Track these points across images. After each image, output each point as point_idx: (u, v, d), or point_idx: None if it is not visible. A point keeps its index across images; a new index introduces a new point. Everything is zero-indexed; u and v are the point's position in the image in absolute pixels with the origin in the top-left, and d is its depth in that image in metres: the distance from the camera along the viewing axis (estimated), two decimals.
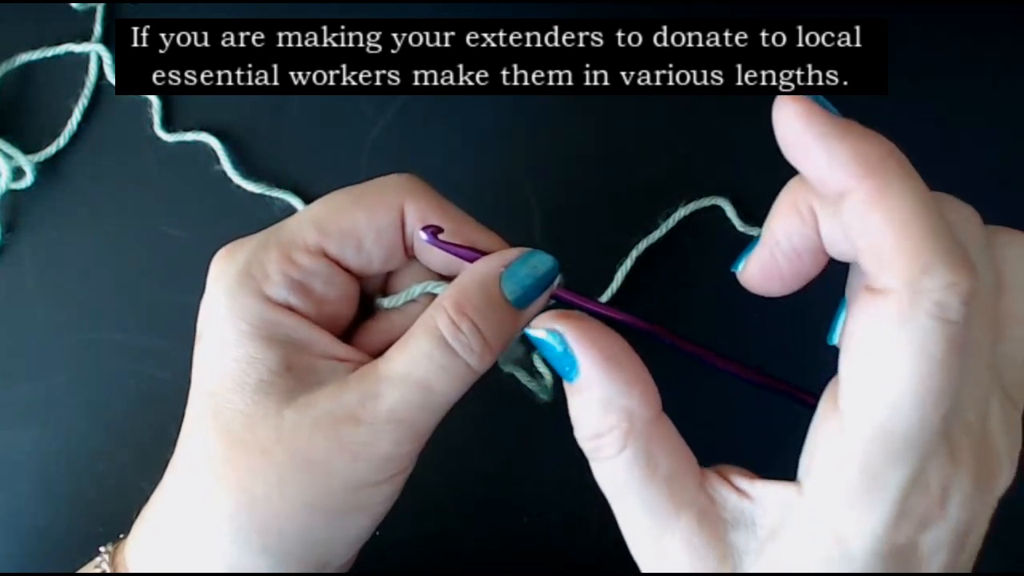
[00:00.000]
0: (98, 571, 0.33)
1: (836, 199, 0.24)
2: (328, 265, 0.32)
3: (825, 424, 0.25)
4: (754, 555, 0.26)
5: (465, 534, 0.43)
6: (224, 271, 0.31)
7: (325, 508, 0.30)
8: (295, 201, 0.45)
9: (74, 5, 0.48)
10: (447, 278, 0.34)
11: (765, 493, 0.26)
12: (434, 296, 0.33)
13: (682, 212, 0.45)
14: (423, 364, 0.30)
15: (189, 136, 0.46)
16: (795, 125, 0.24)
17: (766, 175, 0.41)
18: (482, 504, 0.44)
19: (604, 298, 0.44)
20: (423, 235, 0.32)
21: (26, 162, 0.46)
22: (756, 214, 0.45)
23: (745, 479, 0.27)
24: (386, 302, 0.34)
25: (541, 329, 0.28)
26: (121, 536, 0.34)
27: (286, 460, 0.30)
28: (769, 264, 0.28)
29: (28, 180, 0.46)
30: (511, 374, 0.39)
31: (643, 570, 0.28)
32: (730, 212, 0.45)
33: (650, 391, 0.28)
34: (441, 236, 0.32)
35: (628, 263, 0.44)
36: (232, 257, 0.32)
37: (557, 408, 0.44)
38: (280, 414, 0.30)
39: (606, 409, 0.27)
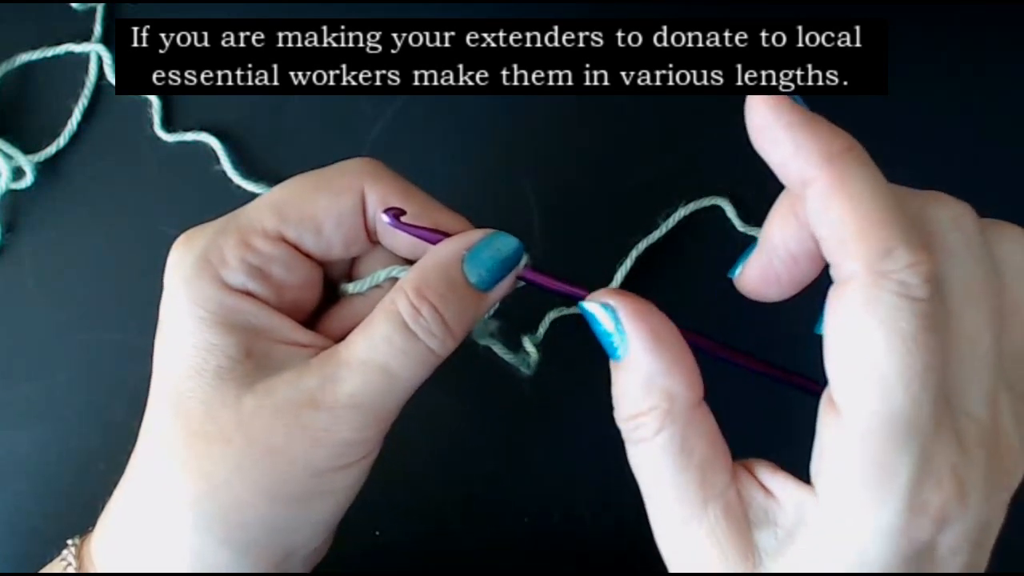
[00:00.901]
0: (64, 570, 0.33)
1: (800, 189, 0.25)
2: (287, 250, 0.32)
3: (827, 424, 0.25)
4: (774, 555, 0.26)
5: (465, 534, 0.43)
6: (182, 258, 0.31)
7: (287, 495, 0.30)
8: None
9: (74, 5, 0.48)
10: (412, 262, 0.33)
11: (785, 492, 0.26)
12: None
13: (682, 212, 0.45)
14: (383, 348, 0.30)
15: (189, 136, 0.46)
16: (766, 114, 0.25)
17: (766, 175, 0.41)
18: (482, 504, 0.44)
19: None
20: (385, 217, 0.31)
21: (26, 162, 0.46)
22: (756, 214, 0.45)
23: (770, 473, 0.27)
24: (351, 287, 0.34)
25: (595, 303, 0.28)
26: (90, 528, 0.34)
27: (246, 447, 0.29)
28: (767, 269, 0.28)
29: (28, 180, 0.46)
30: (488, 347, 0.39)
31: (665, 557, 0.28)
32: (730, 212, 0.45)
33: (694, 376, 0.28)
34: (404, 218, 0.31)
35: (628, 263, 0.44)
36: (190, 244, 0.31)
37: (558, 409, 0.44)
38: (239, 401, 0.30)
39: (648, 389, 0.27)
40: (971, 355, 0.25)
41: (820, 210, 0.24)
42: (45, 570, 0.34)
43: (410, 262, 0.34)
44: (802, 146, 0.25)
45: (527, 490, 0.44)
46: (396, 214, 0.31)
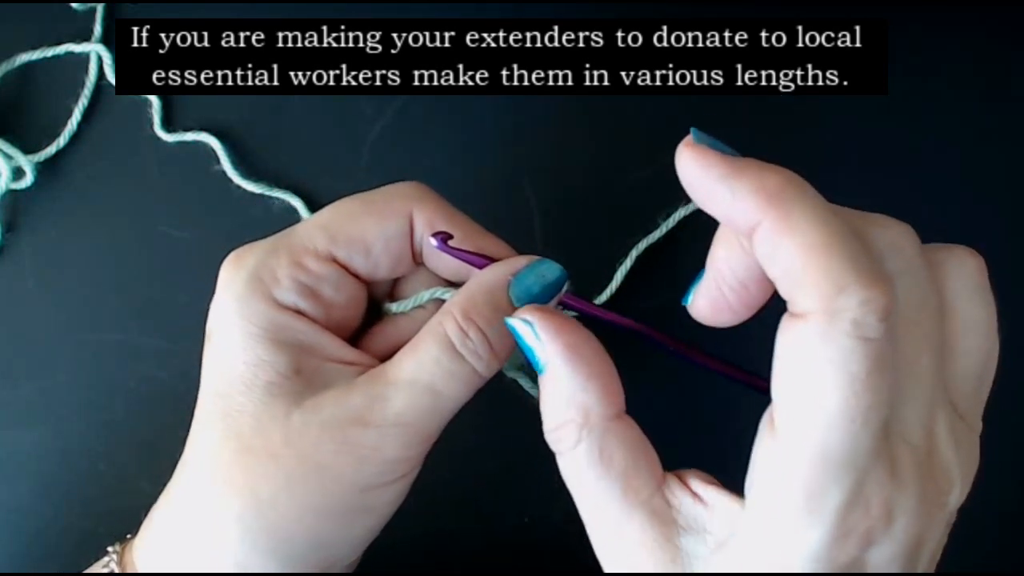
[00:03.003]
0: (106, 571, 0.33)
1: (748, 235, 0.25)
2: (337, 270, 0.32)
3: (764, 442, 0.25)
4: (702, 562, 0.26)
5: (465, 534, 0.43)
6: (234, 275, 0.32)
7: (332, 511, 0.30)
8: (295, 201, 0.45)
9: (74, 5, 0.48)
10: (455, 284, 0.34)
11: (718, 502, 0.27)
12: (442, 302, 0.34)
13: (682, 212, 0.45)
14: (431, 369, 0.31)
15: (189, 136, 0.46)
16: (695, 171, 0.26)
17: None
18: (482, 504, 0.44)
19: (604, 297, 0.44)
20: (433, 241, 0.32)
21: (26, 162, 0.46)
22: None
23: (702, 484, 0.28)
24: (394, 307, 0.35)
25: (518, 319, 0.29)
26: (128, 536, 0.34)
27: (294, 463, 0.30)
28: (717, 297, 0.29)
29: (28, 180, 0.46)
30: (514, 379, 0.39)
31: (602, 564, 0.29)
32: None
33: (611, 390, 0.28)
34: (450, 242, 0.32)
35: (628, 263, 0.44)
36: (242, 261, 0.32)
37: None
38: (288, 417, 0.30)
39: (567, 402, 0.28)
40: (911, 381, 0.25)
41: (768, 253, 0.24)
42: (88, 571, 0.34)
43: (452, 284, 0.35)
44: (738, 193, 0.25)
45: (527, 490, 0.44)
46: (444, 238, 0.32)
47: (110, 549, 0.34)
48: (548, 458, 0.44)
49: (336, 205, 0.33)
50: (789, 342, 0.24)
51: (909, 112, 0.46)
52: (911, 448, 0.25)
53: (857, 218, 0.26)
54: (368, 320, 0.35)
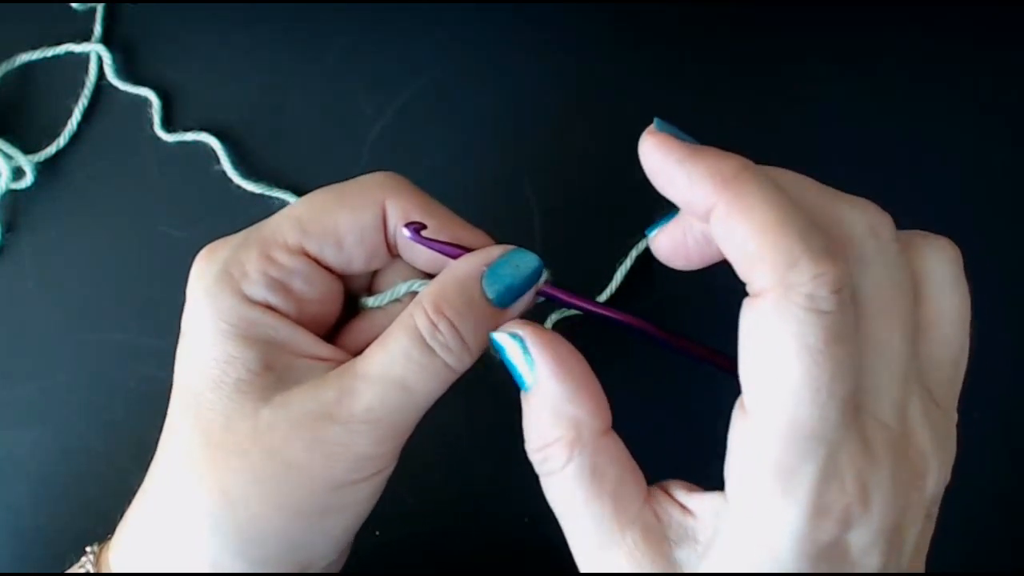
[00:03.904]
0: (82, 571, 0.33)
1: (705, 218, 0.26)
2: (308, 264, 0.32)
3: (737, 427, 0.26)
4: (694, 569, 0.26)
5: (465, 534, 0.43)
6: (204, 271, 0.31)
7: (303, 509, 0.30)
8: (295, 201, 0.45)
9: (74, 5, 0.48)
10: (432, 276, 0.33)
11: (702, 506, 0.27)
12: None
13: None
14: (401, 363, 0.30)
15: (189, 136, 0.46)
16: (656, 156, 0.26)
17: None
18: (482, 504, 0.44)
19: (604, 297, 0.44)
20: (406, 232, 0.31)
21: (26, 162, 0.46)
22: None
23: (685, 492, 0.27)
24: (370, 301, 0.34)
25: (504, 333, 0.29)
26: (109, 536, 0.34)
27: (262, 460, 0.29)
28: (679, 241, 0.30)
29: (28, 180, 0.46)
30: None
31: None
32: None
33: (600, 405, 0.28)
34: (424, 233, 0.32)
35: (628, 262, 0.44)
36: (212, 256, 0.32)
37: None
38: (257, 413, 0.30)
39: (555, 418, 0.28)
40: (882, 361, 0.25)
41: (724, 233, 0.25)
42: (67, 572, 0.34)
43: (430, 276, 0.34)
44: (695, 178, 0.26)
45: (527, 490, 0.44)
46: (417, 228, 0.31)
47: (88, 549, 0.33)
48: None
49: (308, 197, 0.33)
50: (749, 322, 0.25)
51: (909, 112, 0.46)
52: (884, 427, 0.25)
53: (840, 200, 0.27)
54: (347, 315, 0.34)
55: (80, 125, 0.47)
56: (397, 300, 0.34)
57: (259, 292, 0.31)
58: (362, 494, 0.31)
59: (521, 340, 0.29)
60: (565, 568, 0.44)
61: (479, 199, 0.45)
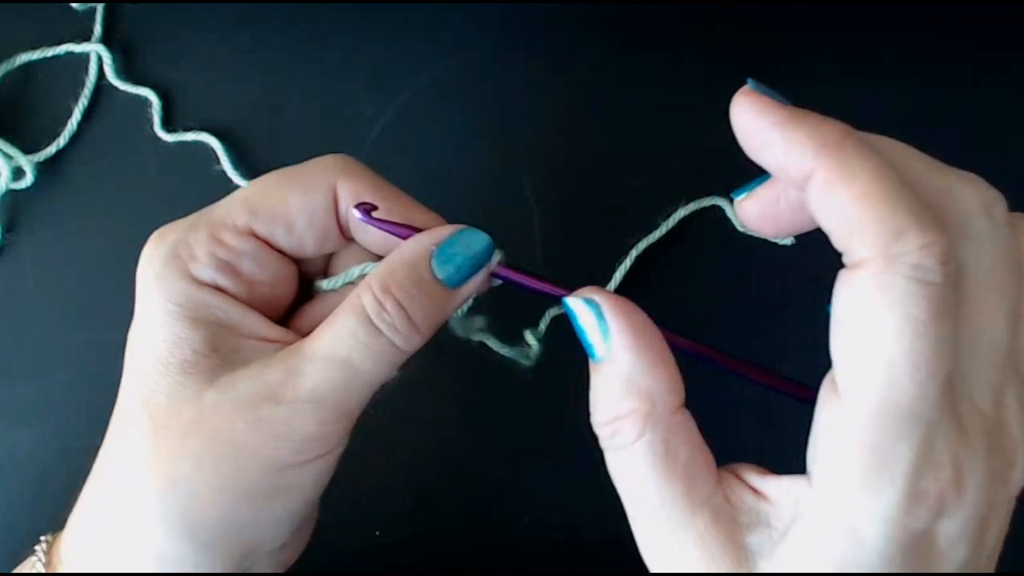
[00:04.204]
0: (32, 569, 0.33)
1: (801, 185, 0.25)
2: (258, 245, 0.32)
3: (826, 409, 0.24)
4: (767, 556, 0.25)
5: (465, 534, 0.43)
6: (153, 254, 0.31)
7: (247, 491, 0.29)
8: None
9: (74, 5, 0.48)
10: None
11: (779, 490, 0.26)
12: None
13: (682, 212, 0.45)
14: (347, 342, 0.29)
15: (189, 136, 0.46)
16: (751, 117, 0.25)
17: (765, 175, 0.40)
18: (482, 504, 0.44)
19: None
20: (356, 213, 0.31)
21: (26, 162, 0.46)
22: None
23: (758, 476, 0.26)
24: (325, 284, 0.34)
25: (578, 300, 0.28)
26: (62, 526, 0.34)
27: (206, 442, 0.29)
28: (771, 206, 0.28)
29: (28, 180, 0.46)
30: (483, 344, 0.38)
31: (651, 569, 0.27)
32: (730, 212, 0.45)
33: (676, 380, 0.27)
34: (375, 214, 0.31)
35: (628, 262, 0.44)
36: (161, 239, 0.32)
37: (557, 409, 0.44)
38: (201, 395, 0.29)
39: (628, 390, 0.26)
40: (981, 344, 0.24)
41: (823, 201, 0.24)
42: (17, 570, 0.34)
43: (383, 258, 0.33)
44: (794, 142, 0.24)
45: (527, 490, 0.44)
46: (367, 209, 0.31)
47: (43, 538, 0.33)
48: (547, 458, 0.44)
49: (259, 179, 0.32)
50: (846, 294, 0.23)
51: (908, 108, 0.47)
52: (979, 412, 0.24)
53: (950, 174, 0.25)
54: (304, 299, 0.34)
55: (80, 125, 0.47)
56: (351, 283, 0.33)
57: (207, 273, 0.31)
58: (308, 476, 0.30)
59: (596, 306, 0.27)
60: (564, 568, 0.44)
61: (479, 199, 0.45)
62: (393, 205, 0.32)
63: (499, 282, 0.32)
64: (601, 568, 0.43)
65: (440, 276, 0.30)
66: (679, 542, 0.26)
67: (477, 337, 0.36)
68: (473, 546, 0.43)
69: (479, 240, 0.31)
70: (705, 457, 0.27)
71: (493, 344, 0.38)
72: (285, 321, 0.33)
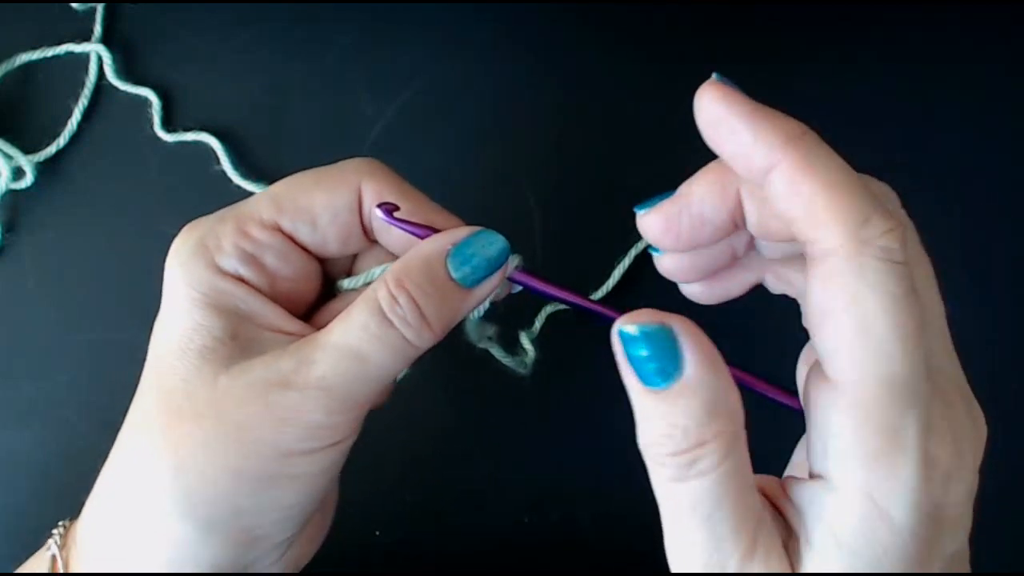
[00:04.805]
0: (47, 552, 0.33)
1: (761, 176, 0.25)
2: (282, 240, 0.32)
3: (822, 403, 0.25)
4: (805, 559, 0.25)
5: (465, 534, 0.43)
6: (182, 243, 0.32)
7: (252, 474, 0.30)
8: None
9: (74, 5, 0.48)
10: None
11: (800, 496, 0.26)
12: None
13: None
14: (358, 333, 0.30)
15: (189, 136, 0.46)
16: (719, 107, 0.26)
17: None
18: (482, 504, 0.44)
19: (600, 295, 0.44)
20: (378, 212, 0.32)
21: (26, 162, 0.46)
22: None
23: (778, 486, 0.27)
24: (346, 283, 0.34)
25: (634, 325, 0.26)
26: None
27: (215, 424, 0.30)
28: (673, 220, 0.29)
29: (28, 180, 0.46)
30: (485, 350, 0.38)
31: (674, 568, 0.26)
32: None
33: (740, 398, 0.26)
34: (397, 214, 0.32)
35: (627, 261, 0.44)
36: (191, 231, 0.33)
37: (556, 408, 0.44)
38: (216, 379, 0.30)
39: (713, 413, 0.24)
40: (932, 317, 0.26)
41: (788, 191, 0.25)
42: (29, 563, 0.34)
43: None
44: (760, 133, 0.25)
45: (527, 490, 0.44)
46: (389, 209, 0.32)
47: (60, 523, 0.34)
48: (547, 459, 0.44)
49: (288, 178, 0.33)
50: (820, 284, 0.24)
51: (909, 111, 0.47)
52: (950, 379, 0.25)
53: (865, 177, 0.27)
54: (327, 299, 0.35)
55: (80, 125, 0.47)
56: (371, 283, 0.34)
57: (231, 264, 0.32)
58: (314, 466, 0.31)
59: (665, 330, 0.25)
60: (564, 568, 0.44)
61: (479, 199, 0.45)
62: (415, 207, 0.33)
63: (519, 288, 0.33)
64: (601, 568, 0.43)
65: (455, 275, 0.31)
66: (729, 557, 0.25)
67: (485, 344, 0.37)
68: (473, 546, 0.43)
69: (495, 242, 0.32)
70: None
71: (497, 353, 0.38)
72: (307, 319, 0.34)
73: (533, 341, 0.40)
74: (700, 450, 0.24)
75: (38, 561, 0.34)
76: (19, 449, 0.44)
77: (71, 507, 0.43)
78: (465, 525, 0.43)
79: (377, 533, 0.42)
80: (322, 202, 0.32)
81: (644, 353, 0.25)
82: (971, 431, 0.25)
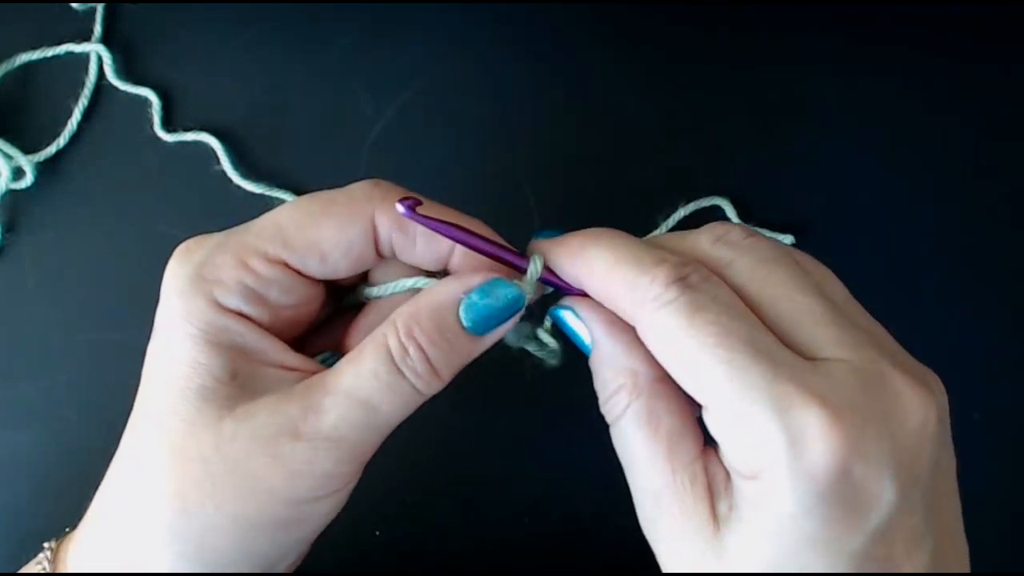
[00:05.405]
0: (39, 569, 0.33)
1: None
2: (287, 274, 0.31)
3: (709, 424, 0.28)
4: (729, 522, 0.28)
5: (465, 534, 0.43)
6: (179, 269, 0.31)
7: (262, 523, 0.30)
8: (282, 205, 0.45)
9: (74, 5, 0.48)
10: (434, 274, 0.33)
11: (743, 465, 0.28)
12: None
13: (682, 212, 0.45)
14: (369, 382, 0.30)
15: (189, 136, 0.46)
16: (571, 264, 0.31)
17: (766, 175, 0.41)
18: (482, 504, 0.44)
19: None
20: (399, 208, 0.30)
21: (26, 162, 0.46)
22: (756, 214, 0.45)
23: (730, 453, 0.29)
24: (375, 291, 0.33)
25: (563, 308, 0.32)
26: (67, 529, 0.34)
27: (223, 472, 0.29)
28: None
29: (28, 180, 0.46)
30: (522, 349, 0.38)
31: (642, 526, 0.30)
32: (730, 212, 0.45)
33: (651, 356, 0.30)
34: (420, 210, 0.30)
35: None
36: (189, 255, 0.31)
37: (557, 408, 0.44)
38: (220, 422, 0.29)
39: (615, 370, 0.30)
40: (797, 312, 0.28)
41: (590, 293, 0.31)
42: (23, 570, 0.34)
43: (431, 273, 0.33)
44: (557, 264, 0.32)
45: (527, 490, 0.44)
46: (412, 205, 0.30)
47: (46, 545, 0.33)
48: (547, 458, 0.44)
49: (294, 205, 0.32)
50: (649, 344, 0.29)
51: (909, 111, 0.47)
52: (840, 360, 0.27)
53: (683, 234, 0.32)
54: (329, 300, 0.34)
55: (80, 125, 0.47)
56: (395, 293, 0.33)
57: (232, 300, 0.30)
58: (322, 510, 0.31)
59: (572, 310, 0.32)
60: (564, 568, 0.44)
61: (479, 199, 0.45)
62: (437, 214, 0.32)
63: (550, 289, 0.33)
64: (601, 568, 0.43)
65: (467, 324, 0.31)
66: (661, 498, 0.29)
67: (524, 344, 0.37)
68: (473, 546, 0.43)
69: (507, 293, 0.31)
70: (691, 427, 0.30)
71: (532, 348, 0.38)
72: (308, 335, 0.33)
73: (550, 333, 0.39)
74: (611, 401, 0.30)
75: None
76: (19, 449, 0.44)
77: (71, 507, 0.43)
78: (465, 525, 0.44)
79: (377, 533, 0.42)
80: (333, 237, 0.31)
81: (569, 328, 0.32)
82: (856, 384, 0.26)
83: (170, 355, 0.30)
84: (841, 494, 0.25)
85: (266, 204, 0.45)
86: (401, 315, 0.30)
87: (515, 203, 0.46)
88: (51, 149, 0.46)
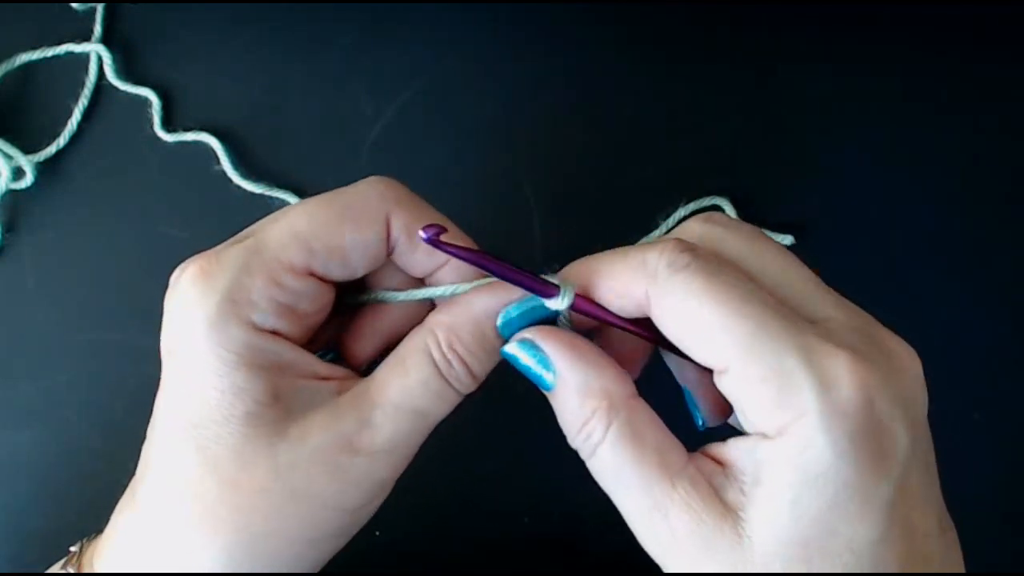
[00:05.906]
0: (63, 572, 0.32)
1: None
2: (316, 284, 0.31)
3: (724, 388, 0.28)
4: (746, 506, 0.27)
5: (465, 534, 0.43)
6: (204, 297, 0.30)
7: (317, 537, 0.31)
8: (295, 201, 0.45)
9: (74, 5, 0.48)
10: (425, 281, 0.34)
11: (736, 451, 0.28)
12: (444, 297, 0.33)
13: (682, 212, 0.45)
14: (420, 392, 0.31)
15: (189, 136, 0.46)
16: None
17: (766, 175, 0.41)
18: (482, 504, 0.44)
19: None
20: (422, 234, 0.30)
21: (26, 162, 0.46)
22: (756, 214, 0.45)
23: (715, 447, 0.29)
24: (401, 296, 0.34)
25: (513, 344, 0.31)
26: (93, 534, 0.33)
27: (286, 499, 0.29)
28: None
29: (28, 180, 0.46)
30: None
31: (650, 552, 0.29)
32: (730, 212, 0.45)
33: (621, 373, 0.30)
34: (444, 237, 0.30)
35: None
36: (211, 281, 0.30)
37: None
38: (272, 448, 0.29)
39: (585, 396, 0.29)
40: (788, 280, 0.29)
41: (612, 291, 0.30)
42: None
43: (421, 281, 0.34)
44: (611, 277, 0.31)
45: (527, 490, 0.44)
46: (436, 232, 0.30)
47: (72, 549, 0.33)
48: (547, 458, 0.44)
49: (309, 210, 0.31)
50: (657, 321, 0.29)
51: (908, 110, 0.47)
52: (834, 321, 0.28)
53: (678, 228, 0.32)
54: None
55: (80, 125, 0.47)
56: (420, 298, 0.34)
57: (267, 320, 0.30)
58: (371, 513, 0.32)
59: (530, 344, 0.31)
60: (564, 567, 0.44)
61: (479, 199, 0.45)
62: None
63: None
64: (601, 568, 0.43)
65: (503, 333, 0.32)
66: (667, 514, 0.28)
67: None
68: (473, 546, 0.43)
69: (542, 312, 0.32)
70: (672, 439, 0.29)
71: None
72: (319, 334, 0.34)
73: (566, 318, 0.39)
74: (585, 430, 0.29)
75: None
76: (19, 449, 0.44)
77: (71, 507, 0.43)
78: (465, 525, 0.44)
79: (377, 533, 0.42)
80: (352, 240, 0.31)
81: (522, 365, 0.31)
82: (866, 350, 0.27)
83: (204, 382, 0.29)
84: (868, 434, 0.26)
85: (266, 204, 0.46)
86: (441, 326, 0.31)
87: (515, 203, 0.46)
88: (51, 149, 0.46)
